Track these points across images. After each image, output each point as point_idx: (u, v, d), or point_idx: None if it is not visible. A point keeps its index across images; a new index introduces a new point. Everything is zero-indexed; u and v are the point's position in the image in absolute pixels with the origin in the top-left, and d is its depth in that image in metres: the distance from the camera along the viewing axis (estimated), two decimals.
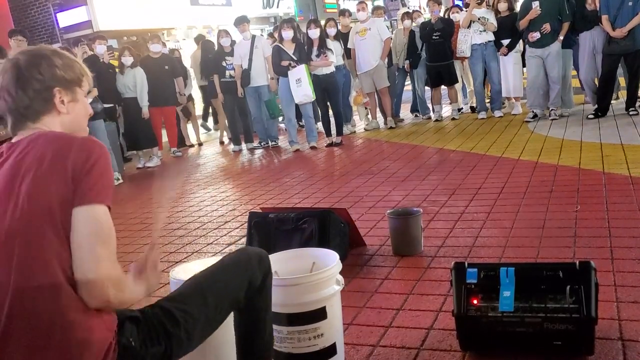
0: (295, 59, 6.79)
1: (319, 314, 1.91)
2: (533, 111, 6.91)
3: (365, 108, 8.29)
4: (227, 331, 1.70)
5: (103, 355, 1.33)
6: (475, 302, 1.94)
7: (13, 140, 1.42)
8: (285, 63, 6.78)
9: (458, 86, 8.25)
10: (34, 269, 1.28)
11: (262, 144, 7.84)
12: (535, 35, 6.58)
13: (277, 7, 16.10)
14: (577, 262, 1.90)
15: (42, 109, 1.44)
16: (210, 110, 9.95)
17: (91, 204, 1.30)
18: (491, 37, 7.24)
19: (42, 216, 1.28)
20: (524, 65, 7.30)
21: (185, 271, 1.96)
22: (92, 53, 7.36)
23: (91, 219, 1.30)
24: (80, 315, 1.30)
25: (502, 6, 7.13)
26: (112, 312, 1.40)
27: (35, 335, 1.28)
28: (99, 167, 1.34)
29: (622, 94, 6.90)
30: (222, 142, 8.85)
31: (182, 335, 1.46)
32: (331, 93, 7.10)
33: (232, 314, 1.69)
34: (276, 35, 7.69)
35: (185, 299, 1.52)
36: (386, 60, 7.71)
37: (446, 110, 8.31)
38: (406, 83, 8.53)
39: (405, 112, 8.72)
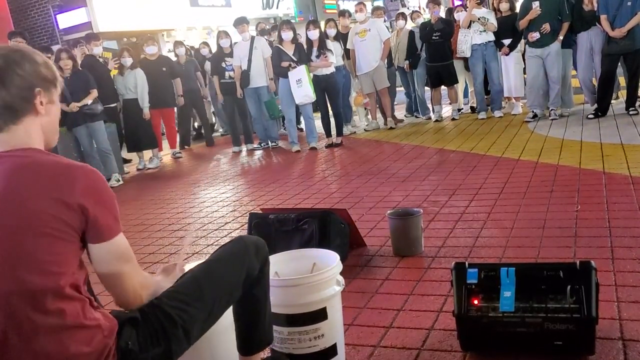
0: (295, 59, 6.80)
1: (320, 315, 1.91)
2: (533, 111, 6.91)
3: (365, 108, 8.28)
4: (220, 320, 1.67)
5: None
6: (475, 302, 1.94)
7: None
8: (285, 64, 6.79)
9: (460, 86, 8.25)
10: (16, 276, 1.27)
11: (262, 144, 7.84)
12: (535, 35, 6.58)
13: (277, 7, 16.10)
14: (578, 262, 1.90)
15: (22, 109, 1.38)
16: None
17: (111, 239, 1.38)
18: (491, 37, 7.23)
19: (33, 229, 1.27)
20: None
21: None
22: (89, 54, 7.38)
23: (114, 251, 1.40)
24: (70, 327, 1.29)
25: (504, 6, 7.13)
26: (112, 317, 1.40)
27: (27, 343, 1.28)
28: (107, 199, 1.38)
29: (622, 94, 6.90)
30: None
31: (180, 334, 1.47)
32: (331, 93, 7.10)
33: None
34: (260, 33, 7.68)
35: (182, 297, 1.52)
36: (386, 60, 7.71)
37: (446, 111, 8.31)
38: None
39: (399, 112, 8.68)
